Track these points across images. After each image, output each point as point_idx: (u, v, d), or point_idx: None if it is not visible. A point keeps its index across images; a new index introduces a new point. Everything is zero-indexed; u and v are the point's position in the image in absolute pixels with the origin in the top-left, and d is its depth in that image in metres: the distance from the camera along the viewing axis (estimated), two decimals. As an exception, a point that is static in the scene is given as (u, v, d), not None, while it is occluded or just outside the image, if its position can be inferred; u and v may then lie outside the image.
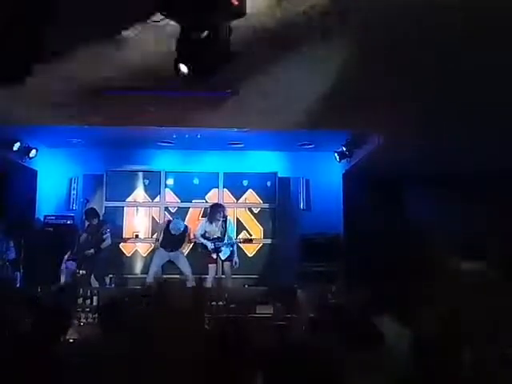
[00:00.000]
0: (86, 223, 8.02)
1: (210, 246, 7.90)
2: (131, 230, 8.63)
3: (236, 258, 8.07)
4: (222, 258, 7.99)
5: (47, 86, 4.77)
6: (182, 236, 8.12)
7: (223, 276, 8.08)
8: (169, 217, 8.50)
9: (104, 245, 7.85)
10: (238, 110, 5.54)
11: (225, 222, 8.02)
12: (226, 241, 7.93)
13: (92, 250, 7.71)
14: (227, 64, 3.44)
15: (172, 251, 8.02)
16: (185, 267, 8.00)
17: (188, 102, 5.32)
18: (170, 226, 8.09)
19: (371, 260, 7.43)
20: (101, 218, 8.10)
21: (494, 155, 6.84)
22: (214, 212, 7.98)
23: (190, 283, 7.83)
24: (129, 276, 8.40)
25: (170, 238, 8.06)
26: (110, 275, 8.03)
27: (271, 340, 2.62)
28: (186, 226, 8.24)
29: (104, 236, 7.88)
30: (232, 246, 8.06)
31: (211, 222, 7.98)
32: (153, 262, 8.09)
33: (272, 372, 2.29)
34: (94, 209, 8.15)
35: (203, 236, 7.97)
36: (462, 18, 3.43)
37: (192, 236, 8.25)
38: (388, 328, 2.89)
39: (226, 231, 7.98)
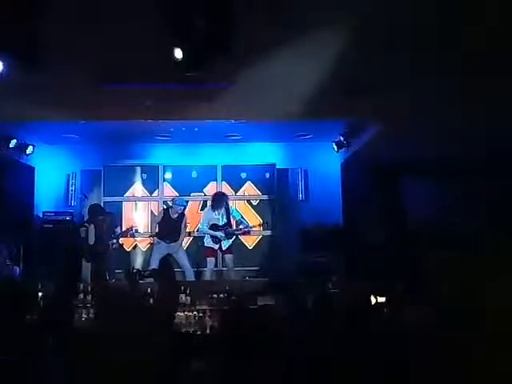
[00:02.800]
0: (89, 219, 8.03)
1: (219, 234, 7.90)
2: (130, 224, 8.61)
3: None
4: (223, 248, 7.97)
5: (43, 82, 4.74)
6: (180, 220, 8.09)
7: (225, 268, 8.09)
8: (169, 204, 8.44)
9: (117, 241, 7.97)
10: (234, 101, 5.52)
11: (227, 209, 8.02)
12: (234, 226, 7.96)
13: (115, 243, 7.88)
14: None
15: (171, 242, 8.01)
16: (184, 261, 7.99)
17: (184, 95, 5.29)
18: (172, 206, 8.09)
19: (371, 250, 7.44)
20: (106, 213, 8.12)
21: (496, 142, 6.81)
22: (218, 200, 7.99)
23: (189, 277, 7.85)
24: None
25: (168, 224, 8.02)
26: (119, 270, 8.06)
27: (274, 329, 2.62)
28: (184, 211, 8.23)
29: (116, 229, 7.99)
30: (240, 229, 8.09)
31: (214, 210, 7.98)
32: (152, 258, 8.07)
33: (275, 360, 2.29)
34: (99, 205, 8.17)
35: (209, 227, 7.98)
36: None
37: (189, 225, 8.28)
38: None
39: (229, 217, 7.99)
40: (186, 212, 8.24)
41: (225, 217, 8.00)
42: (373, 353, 2.55)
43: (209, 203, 8.27)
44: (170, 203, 8.30)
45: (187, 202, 8.33)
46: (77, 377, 2.06)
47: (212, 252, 8.03)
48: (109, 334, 1.99)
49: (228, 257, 8.02)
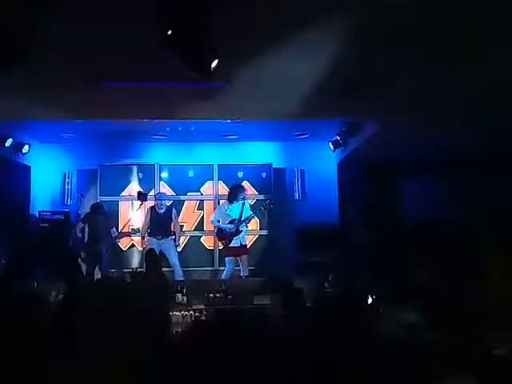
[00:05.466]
0: (87, 217, 8.03)
1: (229, 228, 7.88)
2: (127, 224, 8.59)
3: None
4: (243, 243, 7.95)
5: (38, 80, 4.73)
6: (168, 214, 8.10)
7: (238, 267, 8.05)
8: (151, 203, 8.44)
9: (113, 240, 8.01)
10: (231, 100, 5.51)
11: (244, 204, 8.01)
12: (243, 218, 7.93)
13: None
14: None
15: (162, 238, 7.99)
16: (173, 259, 7.98)
17: (181, 94, 5.28)
18: (156, 202, 8.11)
19: (367, 249, 7.45)
20: (106, 213, 8.13)
21: (492, 140, 6.82)
22: (236, 192, 7.98)
23: (178, 277, 7.84)
24: (126, 270, 8.38)
25: (157, 220, 8.04)
26: (113, 270, 8.07)
27: (269, 329, 2.61)
28: (171, 205, 8.24)
29: (112, 230, 8.02)
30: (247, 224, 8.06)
31: (231, 203, 7.96)
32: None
33: (272, 361, 2.28)
34: (101, 204, 8.17)
35: (219, 221, 8.00)
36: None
37: (179, 220, 8.29)
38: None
39: (242, 212, 7.97)
40: (183, 216, 8.26)
41: (239, 211, 7.97)
42: (369, 353, 2.55)
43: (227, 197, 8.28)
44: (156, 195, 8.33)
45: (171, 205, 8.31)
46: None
47: (232, 251, 7.97)
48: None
49: (244, 257, 7.98)
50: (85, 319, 1.94)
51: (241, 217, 7.94)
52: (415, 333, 2.49)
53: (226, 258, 8.05)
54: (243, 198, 8.01)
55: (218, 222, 8.04)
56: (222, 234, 8.02)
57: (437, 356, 2.10)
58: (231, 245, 7.95)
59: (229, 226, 7.92)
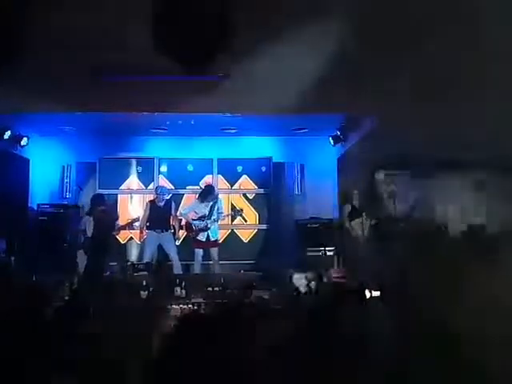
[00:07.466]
0: (90, 209, 7.99)
1: (197, 224, 7.92)
2: (125, 217, 8.58)
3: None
4: (212, 239, 7.99)
5: (38, 73, 4.70)
6: (167, 207, 8.10)
7: (210, 262, 8.08)
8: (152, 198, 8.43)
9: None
10: (231, 94, 5.49)
11: (215, 203, 8.03)
12: (213, 217, 7.97)
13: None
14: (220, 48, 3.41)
15: (162, 232, 7.99)
16: (172, 252, 7.98)
17: (181, 88, 5.26)
18: (156, 195, 8.09)
19: (366, 243, 7.45)
20: (108, 204, 8.08)
21: (492, 139, 6.80)
22: (207, 194, 8.01)
23: (177, 271, 7.84)
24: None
25: (157, 213, 8.02)
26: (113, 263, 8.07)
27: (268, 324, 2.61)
28: (170, 199, 8.25)
29: (116, 223, 7.98)
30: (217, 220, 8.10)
31: (202, 202, 8.00)
32: (146, 250, 8.05)
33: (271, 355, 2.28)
34: (102, 195, 8.11)
35: (188, 215, 8.03)
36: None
37: (178, 213, 8.27)
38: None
39: (212, 211, 7.99)
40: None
41: (208, 210, 8.00)
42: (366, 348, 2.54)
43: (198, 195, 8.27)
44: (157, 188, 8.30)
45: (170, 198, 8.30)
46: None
47: (199, 244, 8.02)
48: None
49: (213, 250, 8.02)
50: (87, 315, 1.93)
51: (210, 215, 7.97)
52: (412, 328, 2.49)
53: (195, 250, 8.06)
54: (214, 199, 8.03)
55: (187, 215, 8.07)
56: (190, 228, 8.07)
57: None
58: (198, 238, 7.99)
59: (197, 221, 7.95)
